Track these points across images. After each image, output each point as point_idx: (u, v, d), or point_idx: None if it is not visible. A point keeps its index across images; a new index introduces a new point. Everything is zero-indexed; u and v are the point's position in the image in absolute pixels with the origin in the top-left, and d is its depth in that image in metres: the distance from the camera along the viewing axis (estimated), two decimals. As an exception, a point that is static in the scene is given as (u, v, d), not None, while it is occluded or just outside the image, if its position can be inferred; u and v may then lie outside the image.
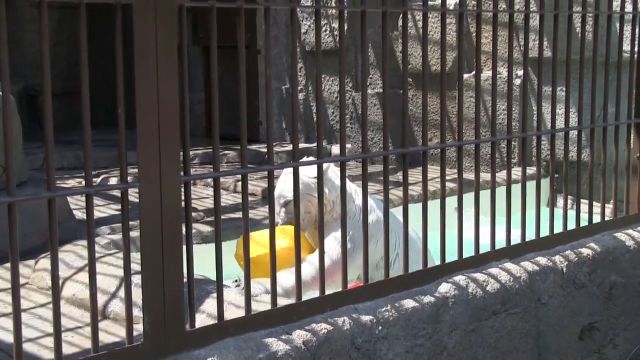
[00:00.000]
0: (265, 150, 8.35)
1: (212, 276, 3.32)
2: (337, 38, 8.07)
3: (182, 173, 2.95)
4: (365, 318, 3.44)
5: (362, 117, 3.55)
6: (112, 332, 3.88)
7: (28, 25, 9.90)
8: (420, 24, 6.92)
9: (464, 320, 3.81)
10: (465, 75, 6.65)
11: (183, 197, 2.98)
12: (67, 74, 9.62)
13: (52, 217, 2.70)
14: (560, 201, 5.07)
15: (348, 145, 8.22)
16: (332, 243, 4.35)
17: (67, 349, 3.23)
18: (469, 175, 4.43)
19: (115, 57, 2.77)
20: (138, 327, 2.95)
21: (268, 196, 3.29)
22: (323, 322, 3.32)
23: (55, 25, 9.88)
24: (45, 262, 4.66)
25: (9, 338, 3.26)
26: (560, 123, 4.72)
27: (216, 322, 3.14)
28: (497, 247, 4.16)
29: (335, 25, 8.14)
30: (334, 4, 8.34)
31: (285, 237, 4.38)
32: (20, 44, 9.83)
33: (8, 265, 4.55)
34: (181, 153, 2.95)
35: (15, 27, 9.61)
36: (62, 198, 5.21)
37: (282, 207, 4.58)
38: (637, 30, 4.88)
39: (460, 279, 3.89)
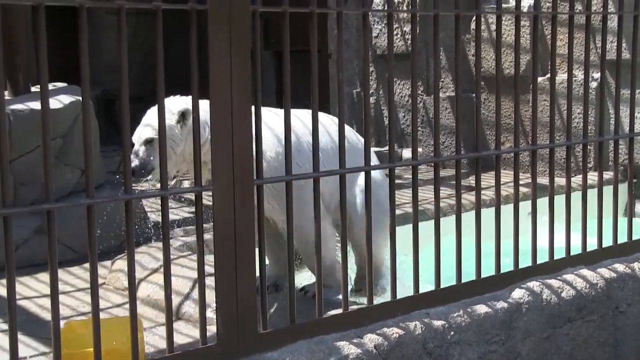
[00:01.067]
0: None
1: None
2: (409, 42, 8.09)
3: (254, 176, 2.98)
4: (437, 323, 3.42)
5: (434, 121, 3.53)
6: (185, 333, 3.94)
7: (105, 32, 10.10)
8: (493, 27, 6.87)
9: (538, 327, 3.76)
10: (540, 79, 6.58)
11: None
12: (143, 79, 9.79)
13: (129, 219, 2.75)
14: (639, 207, 4.95)
15: (419, 149, 8.18)
16: None
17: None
18: (543, 180, 4.36)
19: (190, 62, 2.81)
20: (211, 329, 2.98)
21: (340, 201, 3.28)
22: (395, 327, 3.31)
23: (131, 31, 10.06)
24: (121, 263, 4.76)
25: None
26: (638, 127, 4.62)
27: (288, 324, 3.15)
28: (572, 253, 4.09)
29: (407, 28, 8.14)
30: (405, 8, 8.32)
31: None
32: (99, 50, 10.03)
33: (86, 265, 4.68)
34: (254, 157, 2.97)
35: (94, 34, 9.82)
36: (138, 200, 5.30)
37: (141, 146, 4.11)
38: None
39: (534, 285, 3.83)
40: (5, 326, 4.00)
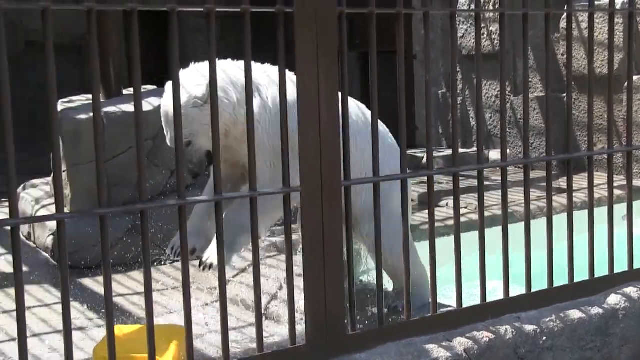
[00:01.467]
0: (420, 155, 8.35)
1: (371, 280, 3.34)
2: (495, 41, 7.98)
3: (342, 178, 2.97)
4: (529, 328, 3.35)
5: (524, 122, 3.48)
6: (272, 333, 3.96)
7: (192, 35, 10.23)
8: (583, 25, 6.73)
9: (637, 334, 3.65)
10: (635, 77, 6.42)
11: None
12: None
13: (218, 219, 2.78)
14: None
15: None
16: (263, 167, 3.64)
17: (231, 348, 3.32)
18: (639, 182, 4.25)
19: (279, 64, 2.83)
20: (298, 329, 2.98)
21: (428, 202, 3.26)
22: (485, 330, 3.26)
23: (219, 34, 10.19)
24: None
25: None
26: None
27: (377, 326, 3.13)
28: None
29: (493, 28, 8.05)
30: (491, 7, 8.22)
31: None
32: (184, 52, 10.17)
33: (177, 265, 4.75)
34: (341, 158, 2.97)
35: (180, 37, 9.97)
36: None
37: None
38: None
39: (631, 290, 3.72)
40: (101, 322, 4.11)
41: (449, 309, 3.34)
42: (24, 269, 2.56)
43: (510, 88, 8.53)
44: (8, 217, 2.44)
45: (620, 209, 3.85)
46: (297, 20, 2.82)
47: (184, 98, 3.42)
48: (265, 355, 2.86)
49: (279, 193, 2.93)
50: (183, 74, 3.61)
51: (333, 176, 2.93)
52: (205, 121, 3.40)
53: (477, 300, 3.38)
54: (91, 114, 4.59)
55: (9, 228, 2.44)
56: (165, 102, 3.74)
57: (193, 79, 3.72)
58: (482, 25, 8.37)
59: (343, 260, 3.00)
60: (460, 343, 3.18)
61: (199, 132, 3.70)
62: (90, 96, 5.93)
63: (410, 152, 8.09)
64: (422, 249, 3.55)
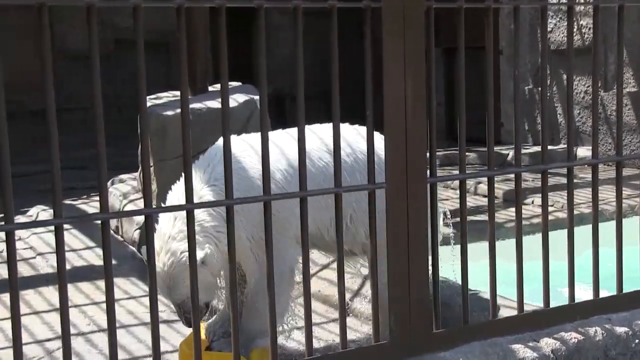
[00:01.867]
0: (506, 152, 8.23)
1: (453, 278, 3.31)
2: (585, 36, 7.82)
3: (428, 174, 2.94)
4: (620, 330, 3.27)
5: (617, 118, 3.39)
6: (354, 329, 3.96)
7: (275, 32, 10.30)
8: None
9: None
10: None
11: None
12: (312, 78, 9.95)
13: (303, 217, 2.78)
14: None
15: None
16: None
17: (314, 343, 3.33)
18: None
19: (365, 60, 2.81)
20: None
21: (515, 199, 3.21)
22: (573, 331, 3.19)
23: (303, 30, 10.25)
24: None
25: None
26: None
27: (461, 325, 3.10)
28: None
29: (583, 22, 7.89)
30: (583, 0, 8.06)
31: None
32: (271, 50, 10.26)
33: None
34: (427, 154, 2.94)
35: (266, 35, 10.06)
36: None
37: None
38: None
39: None
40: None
41: (536, 308, 3.28)
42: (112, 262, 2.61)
43: (600, 83, 8.36)
44: (98, 211, 2.49)
45: None
46: (384, 16, 2.80)
47: (181, 259, 3.38)
48: (349, 351, 2.86)
49: (365, 189, 2.92)
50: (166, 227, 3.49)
51: (418, 172, 2.91)
52: (203, 280, 3.32)
53: (564, 301, 3.31)
54: (177, 110, 4.69)
55: (99, 222, 2.48)
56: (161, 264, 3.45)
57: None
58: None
59: (428, 258, 2.97)
60: (548, 344, 3.12)
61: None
62: (176, 93, 6.03)
63: (496, 148, 8.02)
64: (507, 247, 3.49)
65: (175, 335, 3.90)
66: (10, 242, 2.30)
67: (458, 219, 3.13)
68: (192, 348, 3.30)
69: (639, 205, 3.51)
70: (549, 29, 8.64)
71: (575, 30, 8.73)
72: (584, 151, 7.79)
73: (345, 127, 3.66)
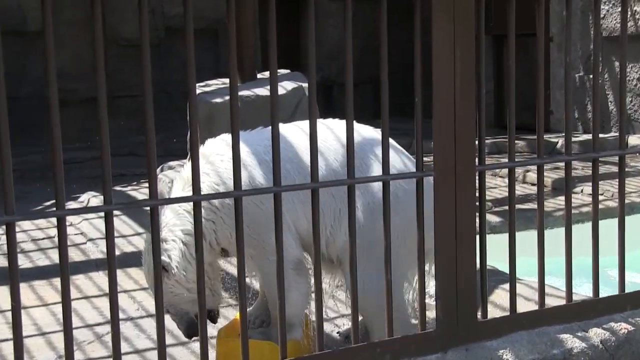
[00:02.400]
0: (555, 140, 8.15)
1: (500, 267, 3.28)
2: (638, 22, 7.69)
3: (477, 162, 2.93)
4: (671, 320, 3.23)
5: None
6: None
7: (326, 20, 10.29)
8: None
9: None
10: None
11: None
12: (360, 65, 9.94)
13: (351, 203, 2.77)
14: None
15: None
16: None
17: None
18: None
19: (414, 47, 2.80)
20: (427, 314, 2.97)
21: (565, 188, 3.17)
22: (623, 322, 3.15)
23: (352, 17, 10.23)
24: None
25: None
26: None
27: (508, 314, 3.08)
28: None
29: (637, 8, 7.76)
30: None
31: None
32: (320, 37, 10.26)
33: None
34: (476, 142, 2.92)
35: (315, 22, 10.06)
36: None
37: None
38: None
39: None
40: (232, 303, 4.18)
41: (585, 298, 3.26)
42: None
43: (648, 71, 8.23)
44: (147, 197, 2.51)
45: None
46: (434, 2, 2.79)
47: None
48: (395, 339, 2.85)
49: (413, 176, 2.91)
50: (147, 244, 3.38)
51: (467, 161, 2.89)
52: (179, 291, 3.28)
53: (614, 291, 3.27)
54: (226, 98, 4.70)
55: (148, 209, 2.51)
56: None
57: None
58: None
59: (475, 247, 2.95)
60: (597, 334, 3.09)
61: (175, 301, 3.38)
62: (225, 80, 6.04)
63: (545, 136, 7.95)
64: (556, 236, 3.46)
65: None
66: (61, 227, 2.33)
67: (506, 207, 3.11)
68: (230, 335, 3.34)
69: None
70: (601, 16, 8.52)
71: (629, 16, 8.60)
72: (635, 139, 7.70)
73: (359, 125, 3.41)
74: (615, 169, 3.36)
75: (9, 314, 2.24)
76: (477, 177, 2.94)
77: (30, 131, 7.51)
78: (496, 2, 2.59)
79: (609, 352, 3.07)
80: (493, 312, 3.34)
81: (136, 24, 2.46)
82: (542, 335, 3.04)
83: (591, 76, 3.21)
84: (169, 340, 3.78)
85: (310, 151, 2.70)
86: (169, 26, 9.92)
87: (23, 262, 5.03)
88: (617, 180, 3.31)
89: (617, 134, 3.38)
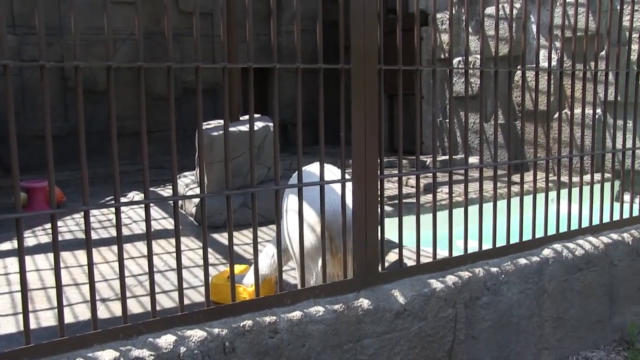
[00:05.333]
0: (425, 159, 8.23)
1: (392, 238, 3.29)
2: (474, 87, 7.82)
3: (379, 173, 2.94)
4: (494, 269, 3.30)
5: (494, 138, 3.39)
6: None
7: (284, 82, 10.19)
8: (530, 78, 6.57)
9: (559, 274, 3.58)
10: (562, 112, 6.24)
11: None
12: (306, 112, 9.91)
13: (300, 200, 2.76)
14: (626, 196, 4.61)
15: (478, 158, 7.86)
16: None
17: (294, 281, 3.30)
18: (564, 179, 4.14)
19: (340, 100, 2.80)
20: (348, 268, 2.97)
21: (432, 189, 3.19)
22: (466, 271, 3.22)
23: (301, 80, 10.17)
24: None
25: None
26: (628, 144, 4.31)
27: (398, 267, 3.10)
28: (583, 226, 3.86)
29: (472, 80, 7.87)
30: (473, 66, 8.05)
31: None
32: (279, 93, 10.15)
33: (270, 226, 4.75)
34: (378, 160, 2.93)
35: (276, 84, 9.98)
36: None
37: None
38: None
39: (557, 246, 3.65)
40: (224, 260, 4.14)
41: (444, 257, 3.29)
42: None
43: (483, 118, 8.35)
44: (171, 194, 2.47)
45: (551, 195, 3.77)
46: (353, 74, 2.80)
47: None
48: (328, 284, 2.84)
49: (339, 182, 2.89)
50: None
51: (373, 171, 2.90)
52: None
53: (461, 252, 3.33)
54: (221, 132, 4.62)
55: (171, 202, 2.47)
56: None
57: None
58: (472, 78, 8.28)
59: (378, 226, 2.96)
60: (450, 279, 3.14)
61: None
62: (220, 120, 5.95)
63: (420, 157, 8.01)
64: (426, 219, 3.49)
65: (215, 272, 3.86)
66: (117, 214, 2.29)
67: (396, 201, 3.12)
68: (220, 280, 3.27)
69: (507, 193, 3.55)
70: (452, 83, 8.64)
71: (468, 84, 8.75)
72: (473, 159, 7.82)
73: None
74: (462, 177, 3.40)
75: (85, 268, 2.14)
76: (379, 183, 2.95)
77: (98, 153, 7.40)
78: (388, 73, 2.61)
79: (457, 289, 3.12)
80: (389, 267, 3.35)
81: (165, 85, 2.41)
82: (418, 280, 3.08)
83: (447, 120, 3.24)
84: (197, 282, 3.76)
85: (274, 157, 2.67)
86: (185, 87, 9.80)
87: (93, 236, 4.93)
88: (463, 184, 3.36)
89: (462, 155, 3.42)
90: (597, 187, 4.03)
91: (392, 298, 2.90)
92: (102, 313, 3.13)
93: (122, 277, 2.30)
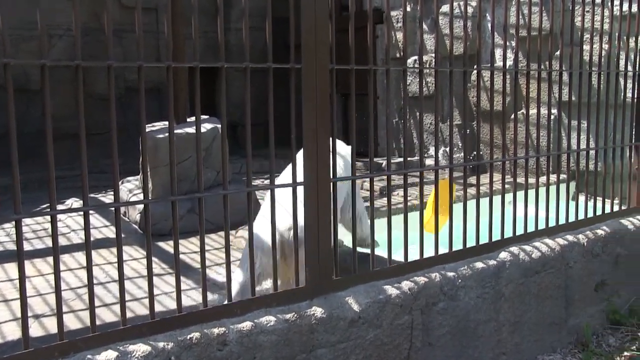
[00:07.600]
0: (381, 161, 8.32)
1: (347, 243, 3.31)
2: (430, 87, 7.96)
3: (331, 176, 2.95)
4: (450, 274, 3.36)
5: (449, 140, 3.46)
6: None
7: (233, 82, 10.14)
8: (486, 78, 6.73)
9: (516, 277, 3.68)
10: (519, 113, 6.42)
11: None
12: (256, 112, 9.87)
13: (250, 204, 2.76)
14: (582, 197, 4.79)
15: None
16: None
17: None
18: (520, 180, 4.26)
19: (290, 101, 2.81)
20: (301, 274, 2.96)
21: (387, 192, 3.23)
22: (422, 276, 3.26)
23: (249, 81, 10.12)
24: (242, 232, 4.78)
25: (223, 279, 3.35)
26: (582, 145, 4.49)
27: (351, 274, 3.11)
28: (539, 228, 3.98)
29: (428, 79, 8.01)
30: (428, 66, 8.19)
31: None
32: (228, 93, 10.10)
33: (220, 232, 4.70)
34: (330, 164, 2.95)
35: (225, 84, 9.91)
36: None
37: None
38: (635, 83, 4.60)
39: (514, 249, 3.75)
40: (170, 270, 4.08)
41: (399, 262, 3.32)
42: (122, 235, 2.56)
43: (439, 118, 8.49)
44: (112, 201, 2.42)
45: (508, 197, 3.87)
46: (303, 73, 2.81)
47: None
48: (282, 292, 2.84)
49: (289, 186, 2.89)
50: None
51: (324, 175, 2.91)
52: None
53: (417, 257, 3.37)
54: (166, 134, 4.56)
55: (113, 209, 2.43)
56: None
57: None
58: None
59: (331, 232, 2.96)
60: (406, 284, 3.18)
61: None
62: (165, 122, 5.88)
63: (374, 159, 8.07)
64: (380, 223, 3.53)
65: (162, 284, 3.81)
66: (53, 222, 2.24)
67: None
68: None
69: (462, 194, 3.63)
70: (408, 83, 8.77)
71: (424, 84, 8.88)
72: (429, 161, 7.95)
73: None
74: (418, 179, 3.45)
75: (16, 282, 2.10)
76: (331, 186, 2.96)
77: (31, 156, 7.21)
78: (341, 72, 2.63)
79: (413, 295, 3.16)
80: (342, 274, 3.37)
81: (106, 84, 2.37)
82: (373, 287, 3.09)
83: (402, 121, 3.29)
84: (141, 294, 3.70)
85: (222, 158, 2.67)
86: (128, 86, 9.63)
87: (26, 246, 4.78)
88: (418, 186, 3.41)
89: (418, 157, 3.48)
90: (552, 187, 4.16)
91: (346, 306, 2.91)
92: (35, 331, 3.02)
93: (58, 290, 2.25)
